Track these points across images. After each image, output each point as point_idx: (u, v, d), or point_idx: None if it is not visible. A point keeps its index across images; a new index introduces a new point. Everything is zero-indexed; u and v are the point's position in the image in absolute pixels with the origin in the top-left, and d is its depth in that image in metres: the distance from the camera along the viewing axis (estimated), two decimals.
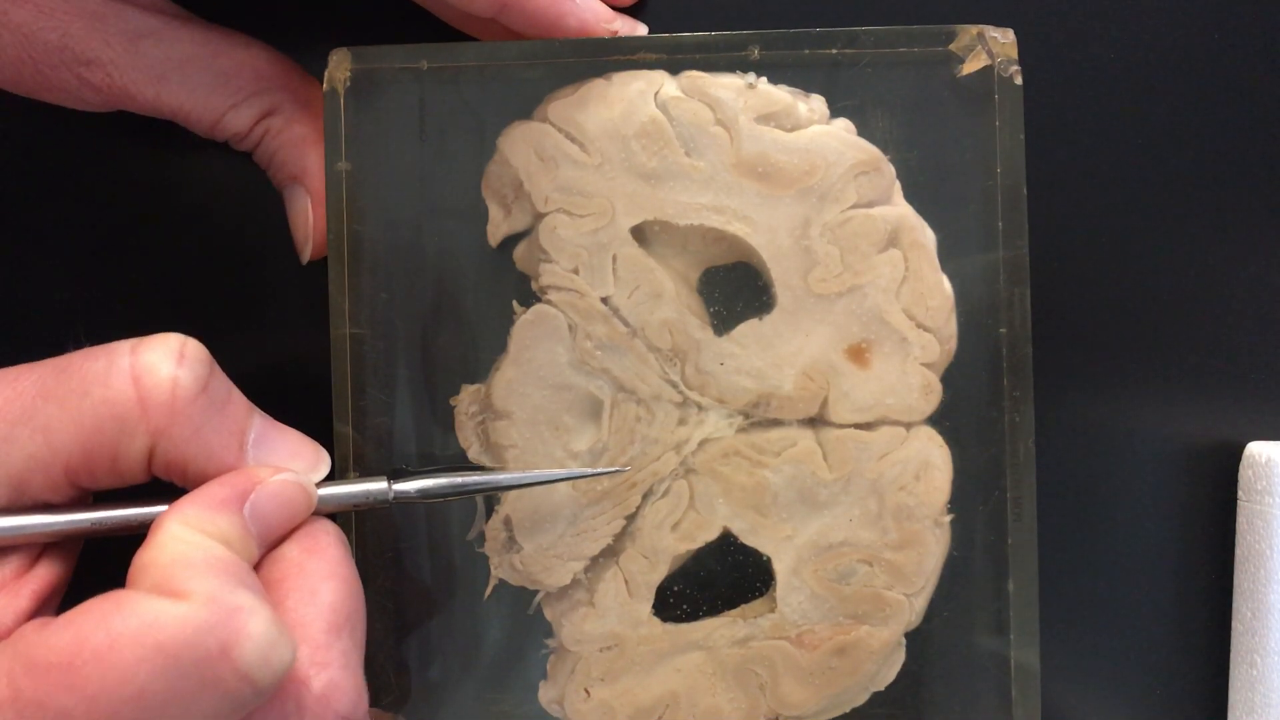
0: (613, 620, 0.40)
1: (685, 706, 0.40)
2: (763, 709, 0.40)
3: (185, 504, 0.30)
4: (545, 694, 0.41)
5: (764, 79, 0.38)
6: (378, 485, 0.34)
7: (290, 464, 0.33)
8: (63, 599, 0.32)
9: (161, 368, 0.30)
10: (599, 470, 0.38)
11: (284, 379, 0.44)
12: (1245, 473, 0.43)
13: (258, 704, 0.27)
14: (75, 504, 0.32)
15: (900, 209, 0.38)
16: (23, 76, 0.37)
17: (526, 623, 0.41)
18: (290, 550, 0.32)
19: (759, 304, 0.40)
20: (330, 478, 0.35)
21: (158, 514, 0.30)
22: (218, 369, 0.32)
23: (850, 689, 0.40)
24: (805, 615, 0.39)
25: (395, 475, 0.35)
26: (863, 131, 0.39)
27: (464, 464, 0.40)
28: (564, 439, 0.39)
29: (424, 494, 0.35)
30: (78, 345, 0.31)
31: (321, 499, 0.33)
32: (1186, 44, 0.43)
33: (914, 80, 0.39)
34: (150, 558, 0.28)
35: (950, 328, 0.39)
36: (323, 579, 0.31)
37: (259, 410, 0.33)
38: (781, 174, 0.38)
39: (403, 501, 0.35)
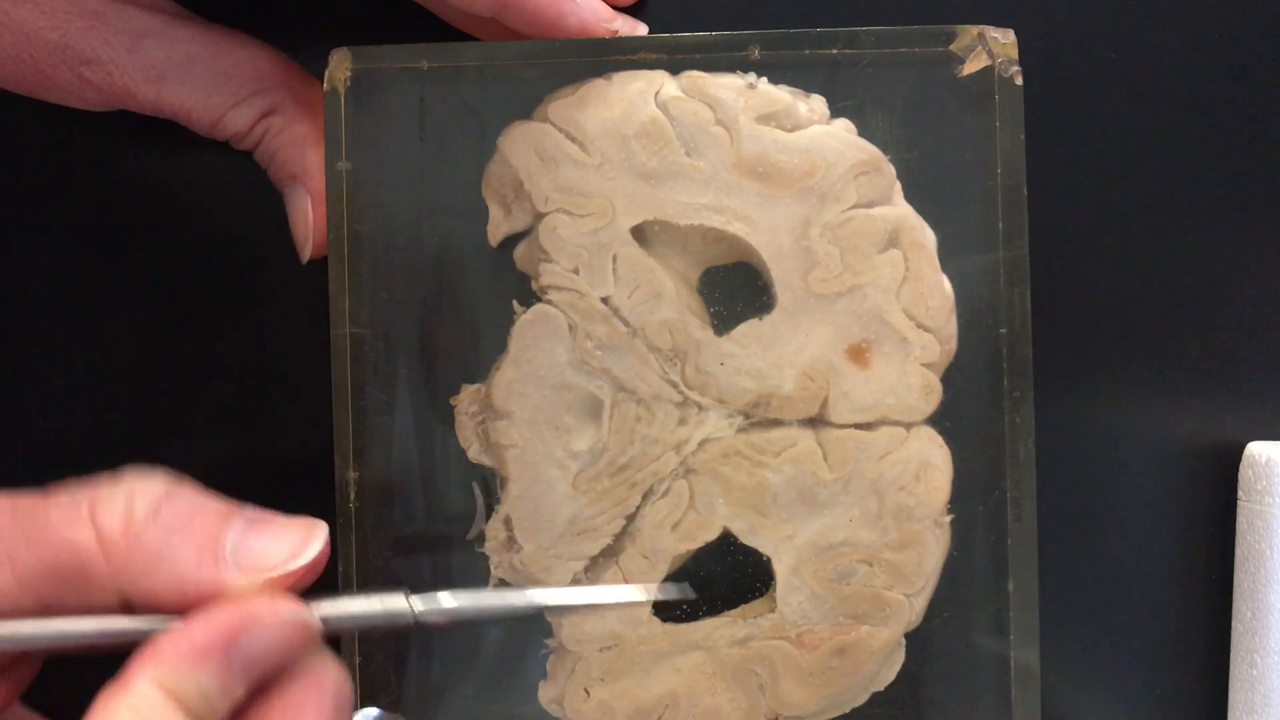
0: (612, 620, 0.40)
1: (685, 706, 0.40)
2: (762, 709, 0.40)
3: (165, 650, 0.27)
4: (545, 694, 0.41)
5: (764, 79, 0.38)
6: (397, 605, 0.30)
7: (281, 565, 0.30)
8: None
9: (115, 506, 0.29)
10: (649, 593, 0.36)
11: (284, 379, 0.44)
12: (1245, 473, 0.43)
13: None
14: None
15: (900, 209, 0.38)
16: (23, 75, 0.37)
17: (526, 623, 0.41)
18: (280, 704, 0.29)
19: (759, 304, 0.40)
20: (328, 497, 0.33)
21: (149, 634, 0.28)
22: (180, 487, 0.30)
23: (850, 689, 0.40)
24: (805, 615, 0.39)
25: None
26: (863, 131, 0.39)
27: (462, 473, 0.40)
28: (564, 439, 0.39)
29: (448, 617, 0.31)
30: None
31: (329, 622, 0.30)
32: (1187, 44, 0.43)
33: (914, 80, 0.39)
34: None
35: (950, 328, 0.39)
36: None
37: (243, 510, 0.30)
38: (782, 174, 0.38)
39: (426, 625, 0.31)
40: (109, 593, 0.29)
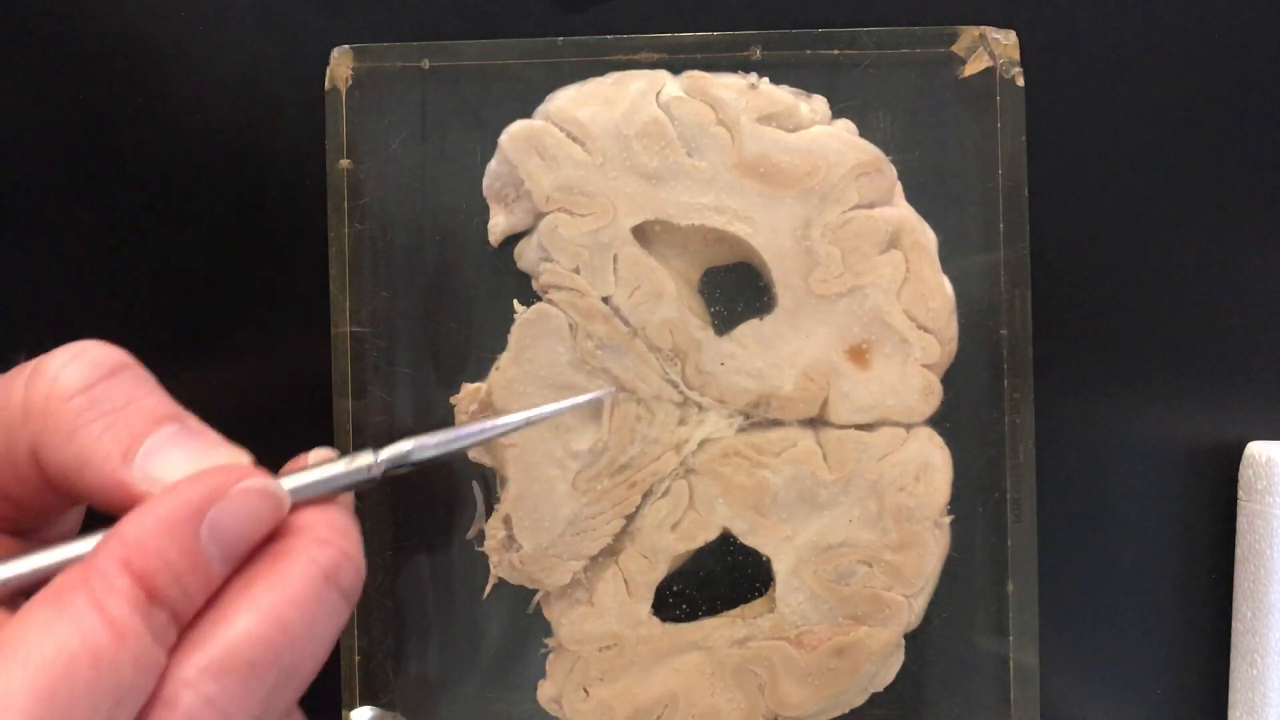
0: (612, 620, 0.40)
1: (684, 706, 0.40)
2: (761, 709, 0.40)
3: (128, 529, 0.25)
4: (544, 693, 0.41)
5: (766, 79, 0.38)
6: (360, 461, 0.29)
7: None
8: None
9: (49, 368, 0.27)
10: (586, 397, 0.33)
11: (284, 379, 0.44)
12: (1245, 473, 0.43)
13: None
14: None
15: (901, 210, 0.38)
16: None
17: (526, 622, 0.41)
18: (257, 559, 0.27)
19: (760, 304, 0.40)
20: None
21: (76, 557, 0.26)
22: (128, 374, 0.28)
23: (849, 689, 0.40)
24: (804, 616, 0.39)
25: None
26: (864, 132, 0.39)
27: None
28: (564, 438, 0.39)
29: (409, 459, 0.29)
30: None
31: (297, 492, 0.28)
32: (1187, 44, 0.43)
33: (916, 81, 0.39)
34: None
35: (951, 329, 0.39)
36: (251, 609, 0.26)
37: (185, 418, 0.28)
38: (783, 174, 0.38)
39: (393, 474, 0.29)
40: (24, 453, 0.27)
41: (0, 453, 0.27)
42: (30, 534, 0.30)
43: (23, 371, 0.28)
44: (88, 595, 0.24)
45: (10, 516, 0.29)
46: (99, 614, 0.24)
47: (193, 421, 0.28)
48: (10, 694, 0.23)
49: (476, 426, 0.30)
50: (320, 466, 0.29)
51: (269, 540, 0.27)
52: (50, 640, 0.24)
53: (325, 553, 0.27)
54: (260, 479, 0.27)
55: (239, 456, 0.28)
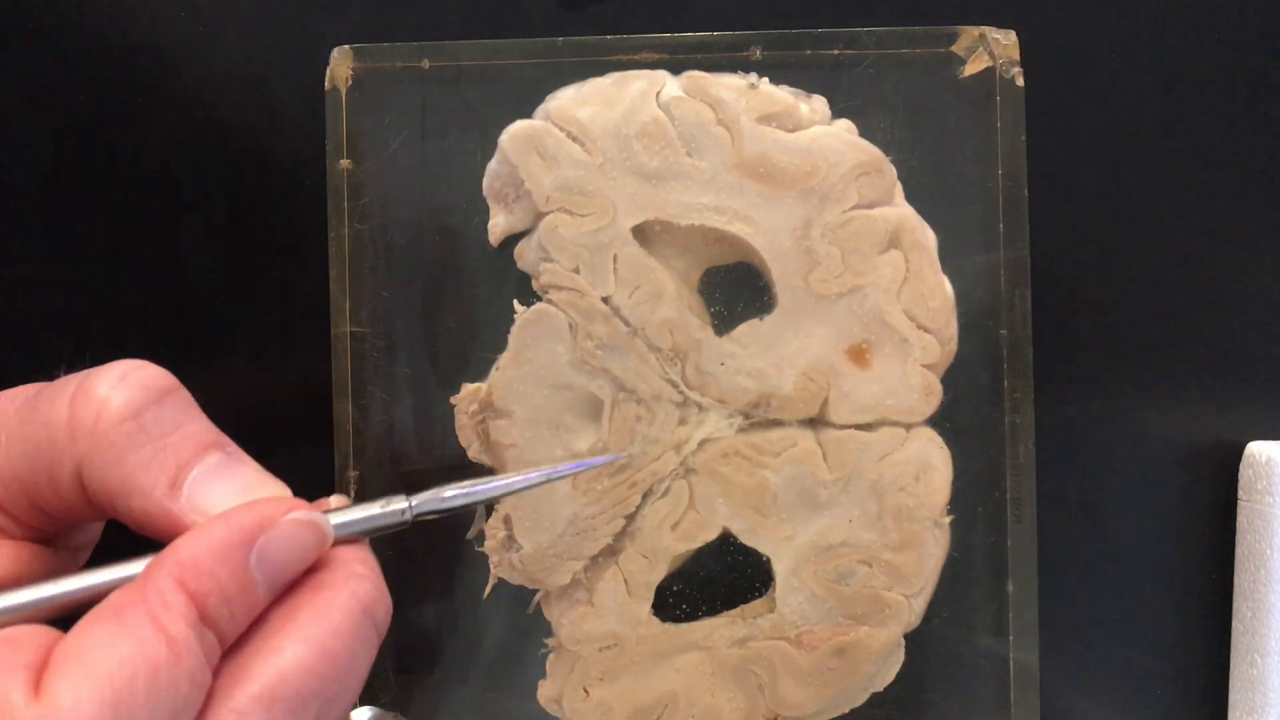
0: (612, 620, 0.40)
1: (684, 706, 0.40)
2: (761, 709, 0.40)
3: (183, 550, 0.26)
4: (544, 693, 0.41)
5: (766, 79, 0.38)
6: (395, 505, 0.30)
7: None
8: None
9: (97, 390, 0.27)
10: (604, 459, 0.37)
11: (284, 379, 0.44)
12: (1245, 473, 0.43)
13: None
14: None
15: (901, 210, 0.38)
16: None
17: (526, 622, 0.41)
18: (299, 590, 0.28)
19: (760, 304, 0.40)
20: (331, 482, 0.33)
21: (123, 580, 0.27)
22: (174, 399, 0.29)
23: (849, 689, 0.40)
24: (804, 616, 0.39)
25: (409, 490, 0.31)
26: (864, 132, 0.39)
27: (460, 472, 0.40)
28: (564, 439, 0.39)
29: (440, 507, 0.31)
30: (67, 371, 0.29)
31: (337, 529, 0.29)
32: (1187, 45, 0.43)
33: (916, 81, 0.39)
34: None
35: (951, 329, 0.39)
36: (298, 639, 0.26)
37: (225, 446, 0.29)
38: (783, 174, 0.38)
39: (421, 519, 0.31)
40: (68, 474, 0.28)
41: (41, 468, 0.28)
42: (54, 542, 0.31)
43: (66, 387, 0.28)
44: (146, 612, 0.25)
45: (39, 527, 0.30)
46: (157, 630, 0.25)
47: (232, 448, 0.29)
48: (79, 702, 0.23)
49: (504, 480, 0.32)
50: (358, 506, 0.30)
51: (307, 572, 0.28)
52: (113, 653, 0.24)
53: (363, 587, 0.28)
54: (307, 512, 0.28)
55: (281, 489, 0.29)
